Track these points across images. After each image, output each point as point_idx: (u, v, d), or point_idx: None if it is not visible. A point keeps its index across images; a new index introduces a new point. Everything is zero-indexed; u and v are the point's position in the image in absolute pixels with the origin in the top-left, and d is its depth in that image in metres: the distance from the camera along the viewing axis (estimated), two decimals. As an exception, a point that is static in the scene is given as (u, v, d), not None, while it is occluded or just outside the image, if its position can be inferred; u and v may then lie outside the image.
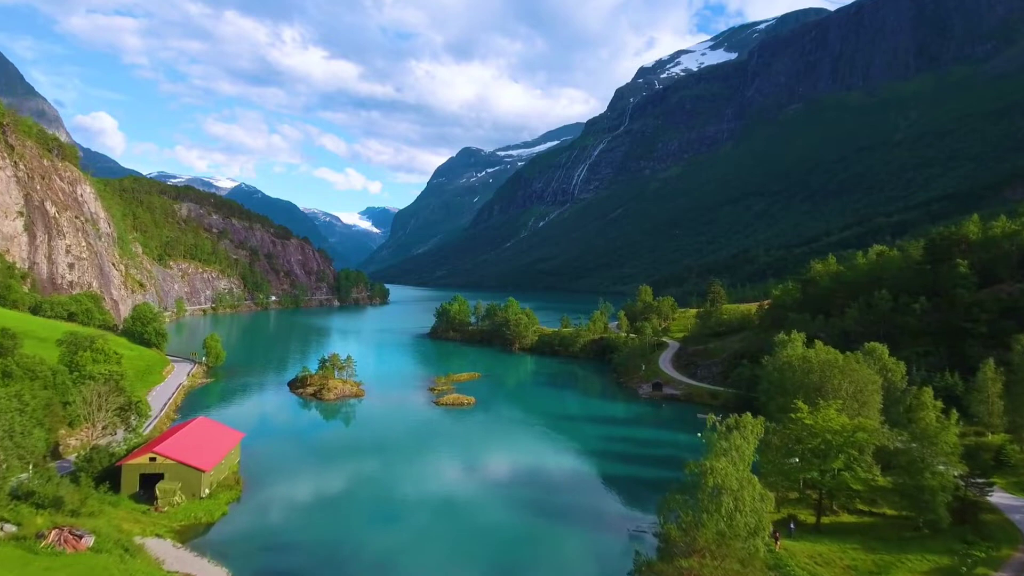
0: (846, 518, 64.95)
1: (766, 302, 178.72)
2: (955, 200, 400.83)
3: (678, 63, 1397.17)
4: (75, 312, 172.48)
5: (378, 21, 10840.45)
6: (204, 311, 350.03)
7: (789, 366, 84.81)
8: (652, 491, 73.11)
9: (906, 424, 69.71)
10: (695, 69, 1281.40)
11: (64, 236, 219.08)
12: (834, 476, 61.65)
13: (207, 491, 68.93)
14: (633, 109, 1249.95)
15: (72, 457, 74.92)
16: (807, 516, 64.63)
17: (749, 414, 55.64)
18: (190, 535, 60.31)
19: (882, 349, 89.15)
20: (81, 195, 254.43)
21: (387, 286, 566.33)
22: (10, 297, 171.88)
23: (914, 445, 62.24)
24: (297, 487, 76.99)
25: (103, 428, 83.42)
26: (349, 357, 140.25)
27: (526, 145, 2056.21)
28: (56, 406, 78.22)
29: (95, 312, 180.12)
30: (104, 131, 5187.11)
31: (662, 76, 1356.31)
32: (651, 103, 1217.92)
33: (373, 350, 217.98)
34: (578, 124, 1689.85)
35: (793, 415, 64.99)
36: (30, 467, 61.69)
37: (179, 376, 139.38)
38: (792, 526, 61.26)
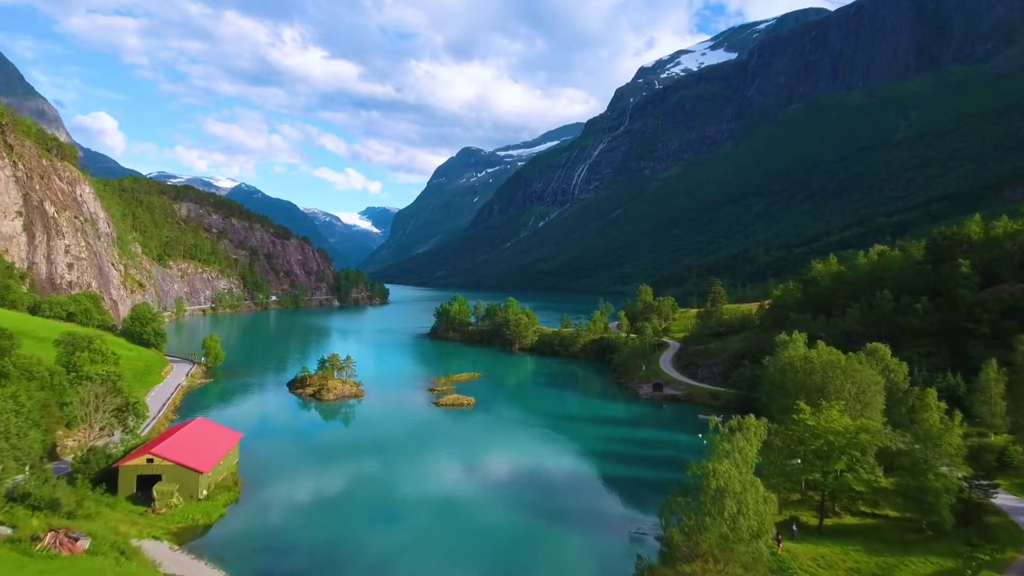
0: (849, 520, 64.48)
1: (767, 302, 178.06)
2: (955, 200, 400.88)
3: (678, 63, 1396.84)
4: (74, 312, 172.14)
5: (378, 21, 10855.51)
6: (204, 311, 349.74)
7: (791, 366, 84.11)
8: (653, 492, 72.78)
9: (909, 425, 69.15)
10: (695, 69, 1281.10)
11: (63, 236, 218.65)
12: (837, 477, 61.16)
13: (205, 492, 68.48)
14: (633, 109, 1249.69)
15: (69, 458, 74.56)
16: (809, 518, 64.18)
17: (752, 415, 55.14)
18: (187, 537, 59.88)
19: (884, 349, 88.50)
20: (80, 195, 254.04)
21: (387, 286, 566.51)
22: (9, 297, 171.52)
23: (917, 446, 61.71)
24: (296, 488, 76.54)
25: (100, 429, 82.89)
26: (348, 357, 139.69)
27: (526, 145, 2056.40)
28: (53, 407, 77.76)
29: (94, 312, 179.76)
30: (104, 131, 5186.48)
31: (662, 76, 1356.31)
32: (651, 103, 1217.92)
33: (373, 350, 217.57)
34: (578, 124, 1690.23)
35: (795, 416, 64.49)
36: (26, 468, 61.32)
37: (178, 376, 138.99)
38: (795, 528, 60.89)
